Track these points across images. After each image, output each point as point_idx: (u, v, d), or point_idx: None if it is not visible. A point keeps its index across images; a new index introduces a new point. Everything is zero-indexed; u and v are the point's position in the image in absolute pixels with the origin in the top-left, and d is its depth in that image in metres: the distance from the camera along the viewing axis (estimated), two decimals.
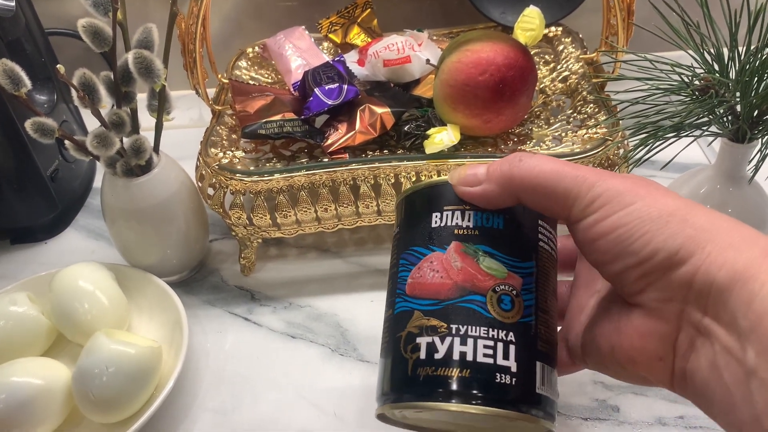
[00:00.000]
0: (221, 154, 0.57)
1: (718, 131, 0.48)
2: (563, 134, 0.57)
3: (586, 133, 0.56)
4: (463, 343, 0.33)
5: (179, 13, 0.53)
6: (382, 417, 0.36)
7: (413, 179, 0.54)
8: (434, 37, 0.69)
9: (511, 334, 0.33)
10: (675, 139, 0.47)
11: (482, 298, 0.34)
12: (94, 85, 0.48)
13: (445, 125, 0.55)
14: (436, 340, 0.34)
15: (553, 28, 0.70)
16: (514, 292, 0.34)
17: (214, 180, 0.56)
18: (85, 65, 0.50)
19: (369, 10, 0.70)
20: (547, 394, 0.34)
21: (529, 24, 0.60)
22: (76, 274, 0.53)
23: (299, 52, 0.67)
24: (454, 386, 0.33)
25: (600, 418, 0.48)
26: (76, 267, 0.54)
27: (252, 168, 0.56)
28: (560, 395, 0.45)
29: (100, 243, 0.67)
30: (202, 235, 0.61)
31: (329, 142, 0.57)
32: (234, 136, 0.61)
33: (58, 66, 0.45)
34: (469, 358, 0.33)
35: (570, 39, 0.68)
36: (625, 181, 0.30)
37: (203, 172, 0.57)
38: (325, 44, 0.73)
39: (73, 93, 0.48)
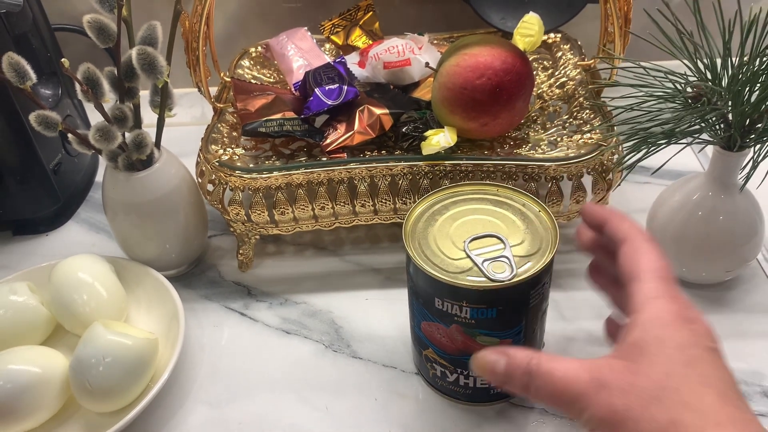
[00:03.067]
0: (222, 151, 0.58)
1: (710, 139, 0.49)
2: (559, 139, 0.58)
3: (581, 138, 0.56)
4: (466, 378, 0.47)
5: (183, 11, 0.54)
6: None
7: (409, 179, 0.55)
8: (435, 41, 0.70)
9: None
10: (665, 145, 0.48)
11: None
12: (97, 80, 0.49)
13: (443, 127, 0.56)
14: (447, 372, 0.47)
15: (552, 35, 0.71)
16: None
17: (213, 176, 0.57)
18: (89, 61, 0.51)
19: (371, 12, 0.71)
20: None
21: (529, 30, 0.61)
22: (76, 265, 0.54)
23: (301, 53, 0.68)
24: (461, 395, 0.49)
25: None
26: (76, 259, 0.55)
27: (251, 165, 0.57)
28: None
29: (100, 236, 0.68)
30: (201, 231, 0.61)
31: (328, 141, 0.58)
32: (235, 133, 0.62)
33: (62, 60, 0.46)
34: (471, 385, 0.47)
35: (568, 46, 0.69)
36: (611, 396, 0.32)
37: (203, 169, 0.58)
38: (327, 45, 0.74)
39: (77, 87, 0.49)
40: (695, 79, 0.48)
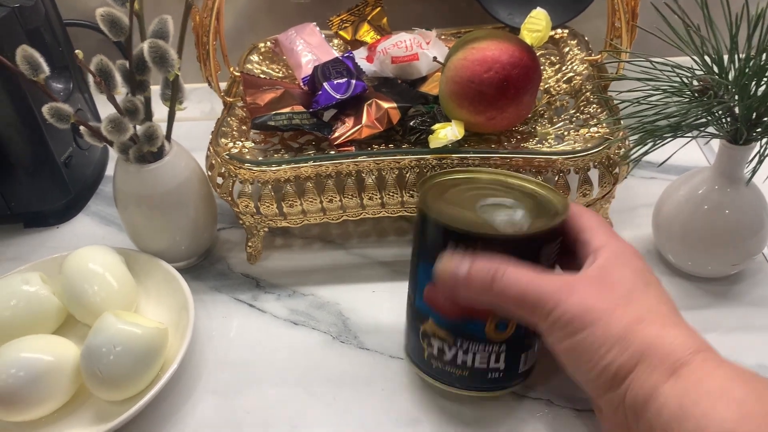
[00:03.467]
0: (231, 144, 0.59)
1: (716, 132, 0.49)
2: (566, 133, 0.59)
3: (587, 132, 0.57)
4: (465, 354, 0.45)
5: (194, 5, 0.54)
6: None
7: (416, 172, 0.55)
8: (442, 36, 0.70)
9: (503, 345, 0.44)
10: (672, 138, 0.48)
11: (481, 324, 0.43)
12: (110, 72, 0.50)
13: (450, 121, 0.56)
14: (445, 346, 0.45)
15: (559, 30, 0.71)
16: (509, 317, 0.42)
17: (223, 169, 0.57)
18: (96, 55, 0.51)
19: (379, 8, 0.72)
20: (527, 367, 0.46)
21: (536, 25, 0.61)
22: (87, 256, 0.55)
23: (310, 48, 0.69)
24: (457, 379, 0.46)
25: (592, 410, 0.48)
26: (87, 250, 0.56)
27: (261, 158, 0.58)
28: (553, 386, 0.51)
29: (110, 229, 0.69)
30: (211, 223, 0.62)
31: (336, 134, 0.59)
32: (244, 127, 0.62)
33: (76, 51, 0.46)
34: (468, 364, 0.45)
35: (576, 41, 0.69)
36: (586, 301, 0.37)
37: (213, 162, 0.59)
38: (336, 41, 0.74)
39: (90, 79, 0.50)
40: (702, 72, 0.48)
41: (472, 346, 0.44)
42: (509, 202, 0.45)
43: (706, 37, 0.47)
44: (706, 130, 0.49)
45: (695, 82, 0.48)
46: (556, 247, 0.44)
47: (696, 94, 0.48)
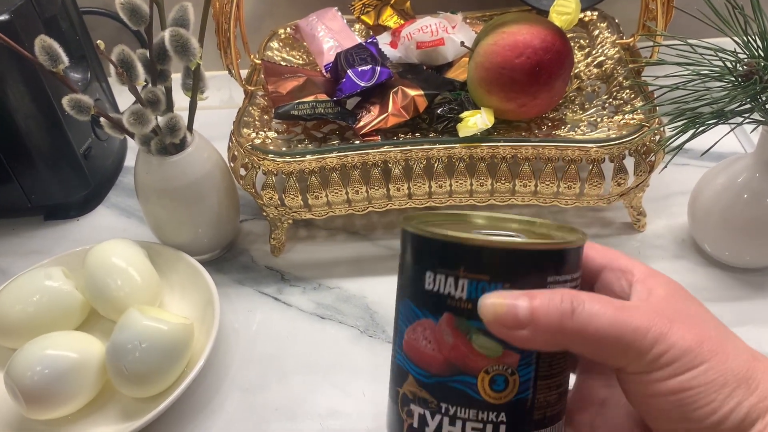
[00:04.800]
0: (254, 135, 0.57)
1: (761, 119, 0.47)
2: (598, 120, 0.57)
3: (622, 119, 0.55)
4: (452, 423, 0.32)
5: None
6: None
7: (445, 162, 0.54)
8: (468, 20, 0.68)
9: (502, 414, 0.32)
10: (714, 125, 0.46)
11: (473, 380, 0.32)
12: (132, 62, 0.49)
13: (479, 108, 0.55)
14: (427, 414, 0.33)
15: (588, 13, 0.69)
16: (509, 371, 0.32)
17: (246, 160, 0.56)
18: (117, 45, 0.50)
19: None
20: None
21: (565, 8, 0.59)
22: (110, 250, 0.54)
23: (331, 34, 0.67)
24: None
25: None
26: (110, 243, 0.55)
27: (284, 149, 0.56)
28: None
29: (131, 221, 0.68)
30: (234, 215, 0.61)
31: (361, 124, 0.57)
32: (266, 116, 0.61)
33: (98, 42, 0.45)
34: None
35: (605, 24, 0.67)
36: (692, 333, 0.29)
37: (235, 153, 0.57)
38: (357, 26, 0.72)
39: (111, 69, 0.48)
40: (745, 56, 0.46)
41: (460, 412, 0.32)
42: (511, 233, 0.34)
43: (750, 17, 0.45)
44: (750, 117, 0.47)
45: (739, 66, 0.46)
46: (574, 276, 0.33)
47: (740, 79, 0.46)
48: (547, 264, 0.31)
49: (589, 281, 0.34)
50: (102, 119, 0.52)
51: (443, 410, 0.32)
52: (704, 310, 0.31)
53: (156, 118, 0.52)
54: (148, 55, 0.51)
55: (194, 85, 0.53)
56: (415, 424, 0.33)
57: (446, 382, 0.32)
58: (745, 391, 0.29)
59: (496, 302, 0.30)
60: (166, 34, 0.48)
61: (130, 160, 0.76)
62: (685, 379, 0.29)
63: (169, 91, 0.53)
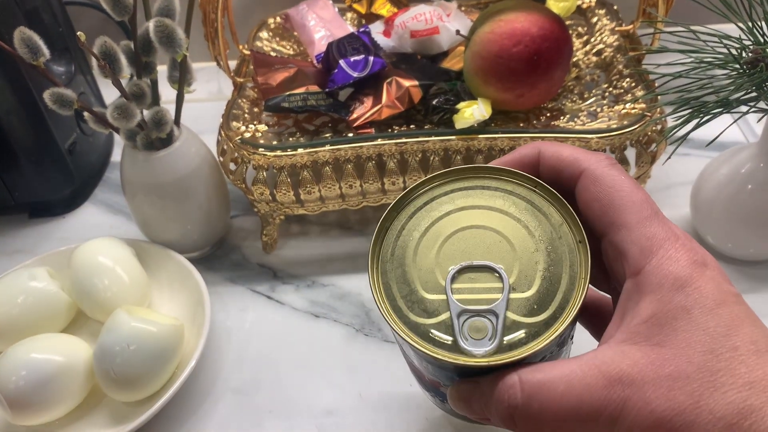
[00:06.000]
0: (243, 128, 0.55)
1: (767, 108, 0.46)
2: (598, 109, 0.55)
3: (623, 109, 0.53)
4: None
5: None
6: None
7: (441, 155, 0.52)
8: (463, 8, 0.66)
9: None
10: (719, 114, 0.45)
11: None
12: (115, 54, 0.47)
13: (475, 99, 0.53)
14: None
15: (586, 0, 0.67)
16: None
17: (236, 154, 0.54)
18: (100, 36, 0.48)
19: None
20: None
21: None
22: (96, 249, 0.52)
23: (323, 23, 0.65)
24: None
25: None
26: (96, 242, 0.53)
27: (275, 142, 0.55)
28: None
29: (118, 218, 0.66)
30: (224, 211, 0.59)
31: (354, 116, 0.55)
32: (256, 109, 0.59)
33: (78, 33, 0.43)
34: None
35: (604, 11, 0.65)
36: (654, 399, 0.24)
37: (225, 147, 0.56)
38: (349, 15, 0.70)
39: (94, 62, 0.46)
40: (750, 42, 0.44)
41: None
42: (494, 269, 0.29)
43: (756, 1, 0.44)
44: (756, 106, 0.45)
45: (744, 53, 0.44)
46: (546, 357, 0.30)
47: (745, 67, 0.44)
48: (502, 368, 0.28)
49: (595, 242, 0.30)
50: (86, 114, 0.50)
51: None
52: (696, 325, 0.25)
53: (141, 112, 0.50)
54: (132, 46, 0.49)
55: (181, 77, 0.51)
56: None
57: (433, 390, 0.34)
58: None
59: (457, 393, 0.29)
60: (151, 25, 0.46)
61: (117, 155, 0.74)
62: None
63: (155, 84, 0.52)
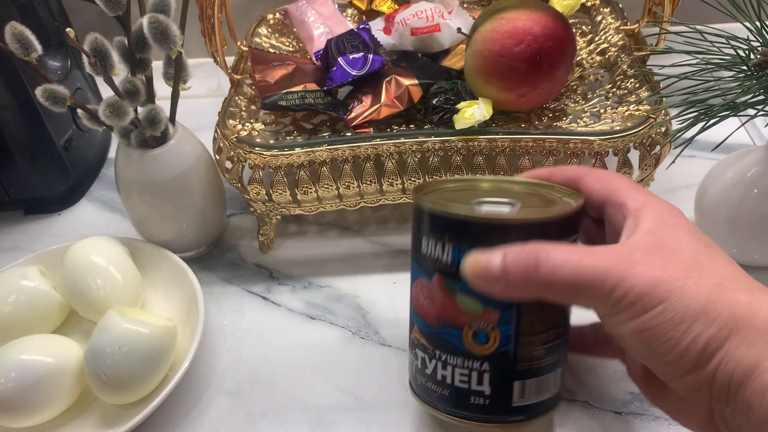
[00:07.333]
0: (240, 126, 0.54)
1: None
2: (602, 110, 0.54)
3: (626, 110, 0.52)
4: (444, 368, 0.38)
5: None
6: None
7: (440, 155, 0.51)
8: (465, 5, 0.65)
9: (485, 364, 0.37)
10: (727, 117, 0.44)
11: (458, 332, 0.37)
12: (106, 51, 0.46)
13: (476, 99, 0.52)
14: (426, 358, 0.39)
15: None
16: (490, 327, 0.36)
17: (232, 153, 0.53)
18: (99, 31, 0.47)
19: None
20: (530, 402, 0.38)
21: None
22: (90, 248, 0.52)
23: (322, 19, 0.64)
24: (437, 399, 0.39)
25: (634, 412, 0.45)
26: (90, 241, 0.52)
27: (272, 141, 0.54)
28: (591, 387, 0.46)
29: (114, 215, 0.65)
30: (220, 210, 0.58)
31: (353, 115, 0.54)
32: (253, 107, 0.58)
33: (67, 30, 0.42)
34: (449, 381, 0.38)
35: (609, 9, 0.64)
36: (653, 273, 0.31)
37: (221, 145, 0.55)
38: (350, 11, 0.69)
39: (84, 59, 0.46)
40: (759, 43, 0.43)
41: (450, 359, 0.38)
42: (509, 200, 0.38)
43: (765, 1, 0.43)
44: (764, 109, 0.44)
45: (752, 55, 0.43)
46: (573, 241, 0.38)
47: (753, 69, 0.43)
48: (529, 232, 0.35)
49: (597, 215, 0.39)
50: (79, 111, 0.49)
51: (437, 356, 0.38)
52: (686, 237, 0.34)
53: (135, 110, 0.49)
54: (126, 42, 0.48)
55: (176, 74, 0.50)
56: (419, 365, 0.40)
57: (439, 333, 0.38)
58: (703, 323, 0.30)
59: (475, 260, 0.35)
60: (145, 21, 0.46)
61: (113, 152, 0.73)
62: (643, 320, 0.31)
63: (149, 81, 0.51)
